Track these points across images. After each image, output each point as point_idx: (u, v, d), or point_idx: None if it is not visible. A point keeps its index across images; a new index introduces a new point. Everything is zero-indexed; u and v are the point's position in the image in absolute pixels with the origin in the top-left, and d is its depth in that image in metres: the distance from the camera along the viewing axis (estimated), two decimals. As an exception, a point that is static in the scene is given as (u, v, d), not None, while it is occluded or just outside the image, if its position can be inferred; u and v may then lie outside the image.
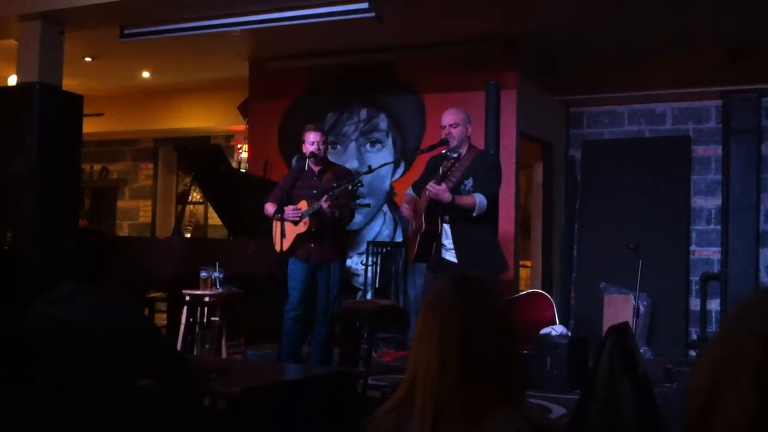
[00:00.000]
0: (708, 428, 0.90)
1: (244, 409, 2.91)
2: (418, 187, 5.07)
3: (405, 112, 7.84)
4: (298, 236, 5.47)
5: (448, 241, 4.83)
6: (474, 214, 4.72)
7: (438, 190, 4.61)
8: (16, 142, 6.44)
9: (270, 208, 5.55)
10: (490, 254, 4.91)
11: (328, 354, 5.62)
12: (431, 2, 6.50)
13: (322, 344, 5.56)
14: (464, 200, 4.71)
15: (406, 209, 5.01)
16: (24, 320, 2.67)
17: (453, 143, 4.84)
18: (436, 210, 4.78)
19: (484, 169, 4.88)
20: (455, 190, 4.73)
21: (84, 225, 9.57)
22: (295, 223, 5.48)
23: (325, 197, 5.17)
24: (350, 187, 5.29)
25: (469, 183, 4.80)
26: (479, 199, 4.71)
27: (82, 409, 2.54)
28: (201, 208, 11.49)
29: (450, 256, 4.83)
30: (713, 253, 7.82)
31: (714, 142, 7.85)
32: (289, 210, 5.43)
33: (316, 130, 5.57)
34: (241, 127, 9.61)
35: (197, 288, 6.01)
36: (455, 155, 4.79)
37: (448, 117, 4.94)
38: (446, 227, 4.83)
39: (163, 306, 7.13)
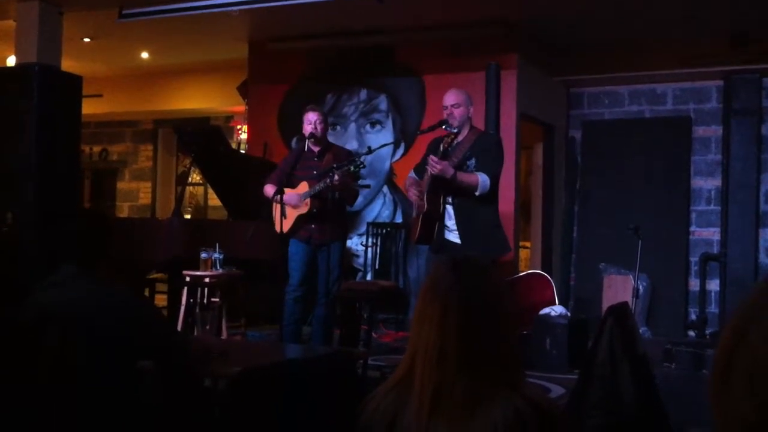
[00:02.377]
0: (732, 368, 0.97)
1: (244, 390, 2.92)
2: (420, 169, 5.06)
3: (405, 93, 7.82)
4: (299, 217, 5.47)
5: (450, 222, 4.83)
6: (477, 194, 4.71)
7: (442, 165, 4.61)
8: (15, 124, 6.43)
9: (270, 189, 5.54)
10: (493, 235, 4.91)
11: (328, 335, 5.63)
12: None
13: (322, 325, 5.57)
14: (467, 177, 4.70)
15: (412, 194, 4.96)
16: (24, 304, 2.67)
17: (454, 124, 4.84)
18: (438, 190, 4.77)
19: (487, 150, 4.87)
20: (458, 170, 4.73)
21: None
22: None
23: (336, 172, 5.14)
24: (352, 168, 5.29)
25: (471, 163, 4.80)
26: (482, 179, 4.70)
27: (83, 392, 2.55)
28: (201, 189, 11.49)
29: (453, 237, 4.83)
30: (713, 233, 7.82)
31: (715, 122, 7.84)
32: (293, 198, 5.42)
33: (314, 110, 5.57)
34: (241, 108, 9.59)
35: (197, 269, 6.02)
36: (454, 130, 4.78)
37: (450, 97, 4.93)
38: (449, 208, 4.83)
39: (163, 287, 7.14)
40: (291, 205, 5.44)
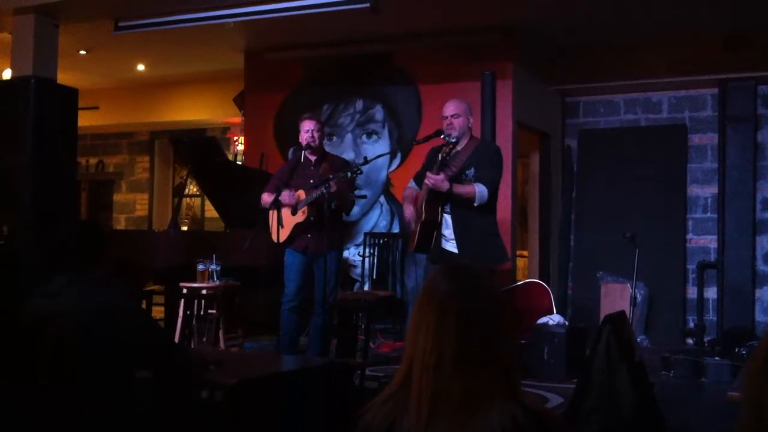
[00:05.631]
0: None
1: (241, 401, 2.91)
2: (420, 178, 5.05)
3: (401, 103, 7.83)
4: (297, 226, 5.47)
5: (448, 231, 4.83)
6: (475, 204, 4.72)
7: (436, 179, 4.62)
8: (11, 136, 6.42)
9: (267, 198, 5.55)
10: (491, 245, 4.90)
11: (325, 345, 5.62)
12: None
13: (319, 335, 5.56)
14: (463, 189, 4.70)
15: (409, 212, 4.97)
16: (22, 311, 2.67)
17: (454, 134, 4.83)
18: (437, 199, 4.77)
19: (486, 159, 4.87)
20: (456, 180, 4.72)
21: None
22: (293, 212, 5.46)
23: (332, 180, 5.14)
24: (349, 174, 5.30)
25: (470, 173, 4.80)
26: (479, 189, 4.70)
27: (81, 399, 2.54)
28: (198, 200, 11.49)
29: (450, 246, 4.82)
30: (710, 241, 7.82)
31: (710, 130, 7.85)
32: (286, 194, 5.41)
33: (311, 118, 5.58)
34: (237, 119, 9.60)
35: (194, 281, 6.02)
36: (453, 140, 4.78)
37: (450, 108, 4.93)
38: (447, 217, 4.82)
39: (160, 299, 7.13)
40: (287, 204, 5.42)
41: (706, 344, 7.09)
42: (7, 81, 7.41)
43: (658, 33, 7.46)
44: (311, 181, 5.45)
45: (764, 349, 1.16)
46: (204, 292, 6.05)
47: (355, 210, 7.26)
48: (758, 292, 7.56)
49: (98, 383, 2.54)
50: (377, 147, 7.82)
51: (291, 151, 7.86)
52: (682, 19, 7.00)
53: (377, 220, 7.89)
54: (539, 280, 7.11)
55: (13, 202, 6.37)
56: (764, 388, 1.12)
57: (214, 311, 6.17)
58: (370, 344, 6.24)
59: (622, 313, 3.51)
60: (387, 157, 7.71)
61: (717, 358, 5.75)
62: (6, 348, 2.67)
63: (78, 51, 8.59)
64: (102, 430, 2.55)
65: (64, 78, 7.12)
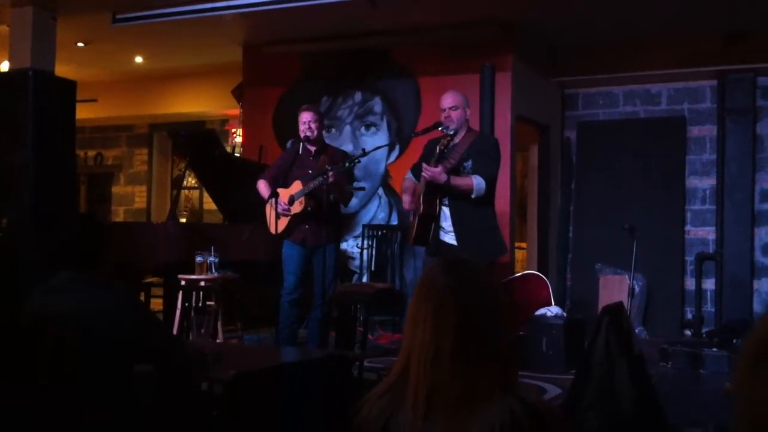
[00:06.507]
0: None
1: (240, 393, 2.92)
2: (417, 170, 5.05)
3: (400, 96, 7.82)
4: (294, 217, 5.46)
5: (446, 224, 4.82)
6: (472, 196, 4.71)
7: (433, 171, 4.61)
8: (10, 129, 6.42)
9: (263, 186, 5.54)
10: (489, 236, 4.90)
11: (324, 337, 5.63)
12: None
13: (318, 327, 5.57)
14: (461, 181, 4.70)
15: (406, 201, 4.99)
16: (23, 308, 2.67)
17: (452, 126, 4.83)
18: (434, 192, 4.77)
19: (484, 152, 4.86)
20: (454, 172, 4.72)
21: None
22: (290, 202, 5.46)
23: (330, 171, 5.14)
24: (347, 165, 5.30)
25: (468, 165, 4.79)
26: (477, 182, 4.70)
27: (82, 399, 2.55)
28: (196, 192, 11.49)
29: (449, 238, 4.82)
30: (708, 233, 7.83)
31: (709, 122, 7.85)
32: (280, 206, 5.41)
33: (309, 110, 5.56)
34: (236, 111, 9.59)
35: (193, 273, 6.01)
36: (451, 132, 4.77)
37: (448, 100, 4.92)
38: (445, 209, 4.82)
39: (158, 291, 7.13)
40: (281, 210, 5.42)
41: (704, 336, 7.11)
42: (4, 73, 7.40)
43: (656, 27, 7.44)
44: (310, 171, 5.44)
45: (754, 345, 1.18)
46: (202, 283, 6.04)
47: (354, 202, 7.27)
48: (756, 284, 7.58)
49: (98, 383, 2.54)
50: (376, 139, 7.81)
51: (289, 142, 7.85)
52: (681, 14, 6.97)
53: (376, 211, 7.89)
54: (538, 271, 7.11)
55: (13, 195, 6.37)
56: (755, 386, 1.11)
57: (212, 303, 6.17)
58: (369, 336, 6.24)
59: (620, 304, 3.51)
60: (385, 149, 7.71)
61: (715, 349, 5.76)
62: (6, 348, 2.66)
63: (76, 43, 8.56)
64: (104, 425, 2.56)
65: (62, 70, 7.11)
